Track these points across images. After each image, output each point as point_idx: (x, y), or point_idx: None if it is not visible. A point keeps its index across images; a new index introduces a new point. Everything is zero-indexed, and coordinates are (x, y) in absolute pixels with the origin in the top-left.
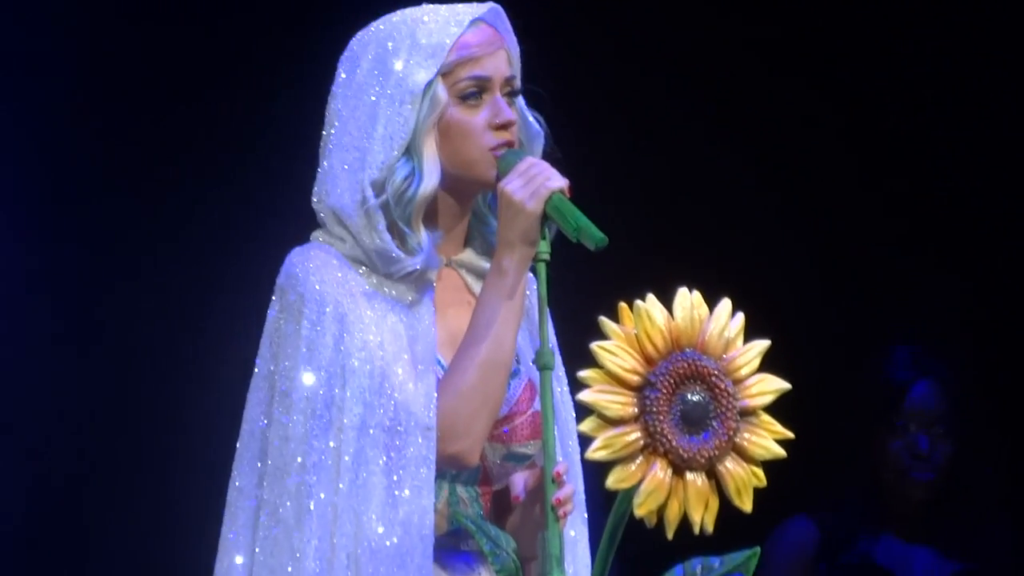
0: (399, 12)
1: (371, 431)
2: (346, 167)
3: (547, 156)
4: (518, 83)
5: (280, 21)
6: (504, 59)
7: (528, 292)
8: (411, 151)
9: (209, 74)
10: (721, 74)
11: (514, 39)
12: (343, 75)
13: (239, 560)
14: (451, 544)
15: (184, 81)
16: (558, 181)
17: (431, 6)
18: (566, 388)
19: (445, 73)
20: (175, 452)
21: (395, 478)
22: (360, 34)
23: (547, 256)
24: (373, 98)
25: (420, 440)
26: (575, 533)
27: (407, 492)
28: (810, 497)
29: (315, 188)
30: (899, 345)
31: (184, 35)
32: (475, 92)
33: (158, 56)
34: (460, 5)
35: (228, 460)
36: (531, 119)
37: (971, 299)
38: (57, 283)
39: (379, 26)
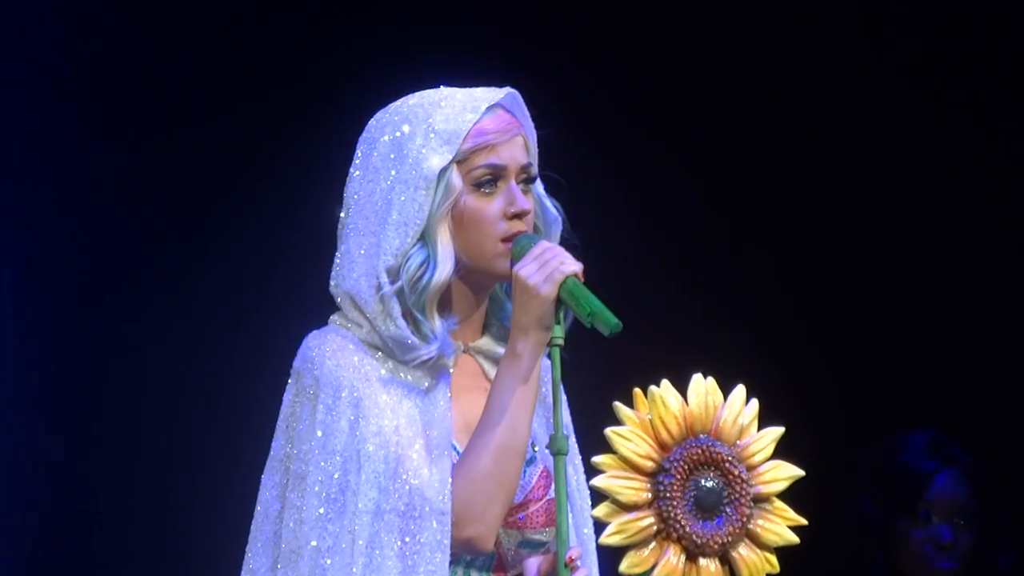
0: (417, 95)
1: (386, 516)
2: (362, 252)
3: (564, 242)
4: (534, 170)
5: (301, 98)
6: (520, 146)
7: (543, 377)
8: (426, 238)
9: (228, 152)
10: (731, 162)
11: (531, 125)
12: (360, 156)
13: None
14: None
15: (202, 164)
16: (572, 265)
17: (449, 90)
18: (582, 475)
19: (460, 160)
20: (188, 533)
21: (410, 563)
22: (379, 114)
23: (561, 341)
24: (388, 182)
25: (435, 525)
26: None
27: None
28: None
29: (333, 272)
30: (919, 432)
31: (205, 117)
32: (490, 180)
33: (173, 139)
34: (478, 90)
35: (242, 542)
36: (549, 205)
37: (988, 386)
38: (67, 353)
39: (398, 108)
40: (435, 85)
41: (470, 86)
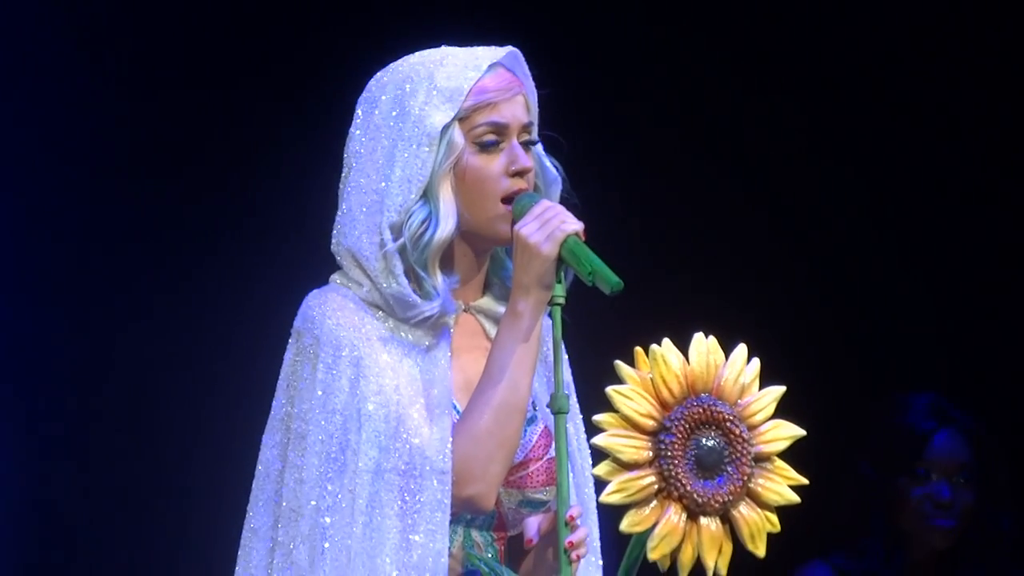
0: (418, 53)
1: (386, 475)
2: (364, 209)
3: (564, 202)
4: (535, 130)
5: (300, 60)
6: (522, 105)
7: (544, 337)
8: (428, 195)
9: (230, 110)
10: (739, 125)
11: (532, 84)
12: (360, 115)
13: None
14: None
15: (204, 120)
16: (573, 224)
17: (450, 48)
18: (583, 434)
19: (462, 118)
20: (189, 490)
21: (409, 522)
22: (379, 74)
23: (562, 300)
24: (390, 140)
25: (435, 484)
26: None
27: (421, 536)
28: (826, 543)
29: (334, 230)
30: (919, 392)
31: (200, 75)
32: (493, 139)
33: (175, 89)
34: (480, 48)
35: (243, 500)
36: (549, 165)
37: (990, 348)
38: (73, 311)
39: (398, 67)
40: (436, 45)
41: (472, 45)
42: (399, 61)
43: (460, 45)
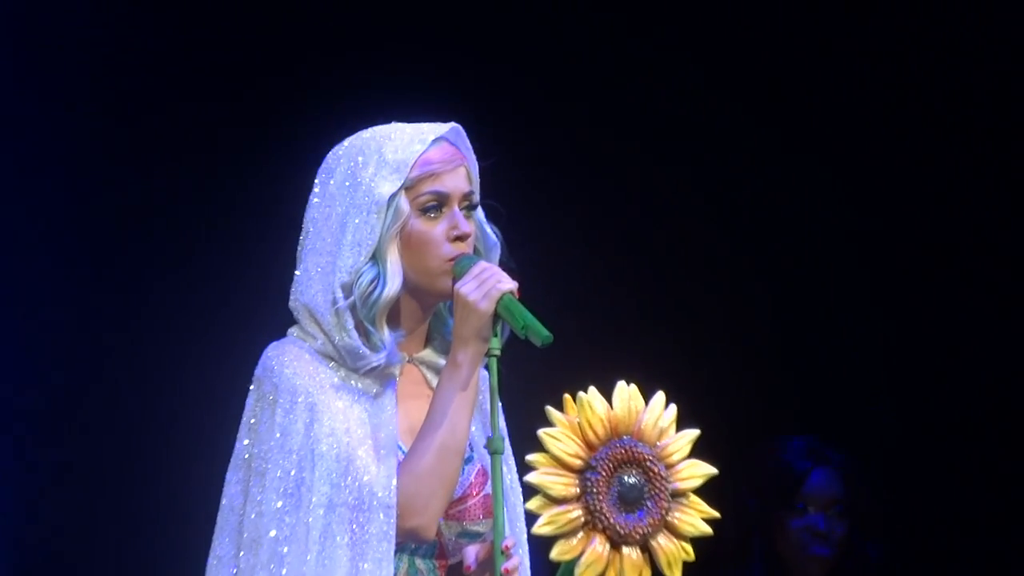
0: (370, 129)
1: (337, 509)
2: (319, 270)
3: (502, 265)
4: (476, 198)
5: (262, 140)
6: (463, 175)
7: (481, 386)
8: (377, 257)
9: (198, 183)
10: (652, 185)
11: (473, 157)
12: (318, 184)
13: None
14: None
15: (178, 192)
16: (508, 283)
17: (399, 125)
18: (515, 474)
19: (408, 187)
20: (157, 527)
21: (359, 551)
22: (335, 148)
23: (498, 352)
24: (343, 208)
25: (382, 517)
26: None
27: (369, 564)
28: (714, 569)
29: (292, 288)
30: (797, 435)
31: (174, 149)
32: (435, 205)
33: (147, 171)
34: (425, 125)
35: (208, 531)
36: (489, 231)
37: (857, 394)
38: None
39: (353, 141)
40: (388, 121)
41: (419, 121)
42: (354, 136)
43: (409, 121)
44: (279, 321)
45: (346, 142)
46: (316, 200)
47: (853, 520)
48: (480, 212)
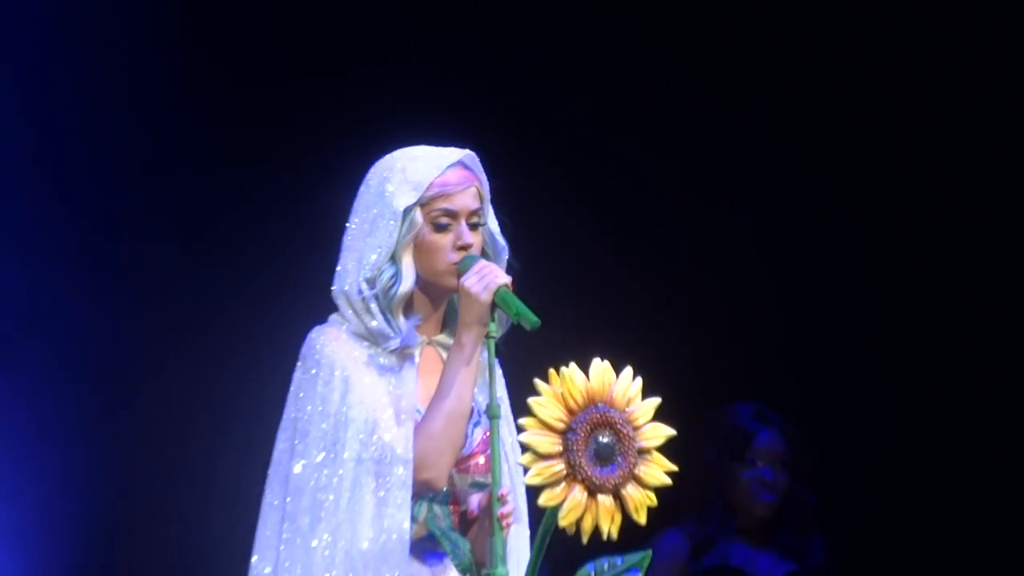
0: (402, 150)
1: (365, 463)
2: (352, 264)
3: (508, 265)
4: (483, 216)
5: (312, 157)
6: (473, 195)
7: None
8: (395, 258)
9: (256, 187)
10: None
11: (485, 179)
12: (359, 195)
13: (268, 560)
14: (430, 546)
15: (237, 187)
16: (503, 278)
17: (425, 148)
18: (515, 434)
19: (423, 204)
20: (222, 480)
21: (381, 495)
22: (375, 164)
23: (495, 335)
24: (372, 214)
25: (401, 471)
26: (522, 538)
27: (390, 508)
28: (679, 513)
29: (334, 278)
30: (747, 402)
31: (224, 151)
32: (445, 223)
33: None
34: (446, 150)
35: (260, 482)
36: (499, 239)
37: (799, 363)
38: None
39: (385, 160)
40: (417, 143)
41: (444, 145)
42: (388, 155)
43: (435, 144)
44: (323, 309)
45: (382, 160)
46: (355, 205)
47: (793, 472)
48: (492, 222)
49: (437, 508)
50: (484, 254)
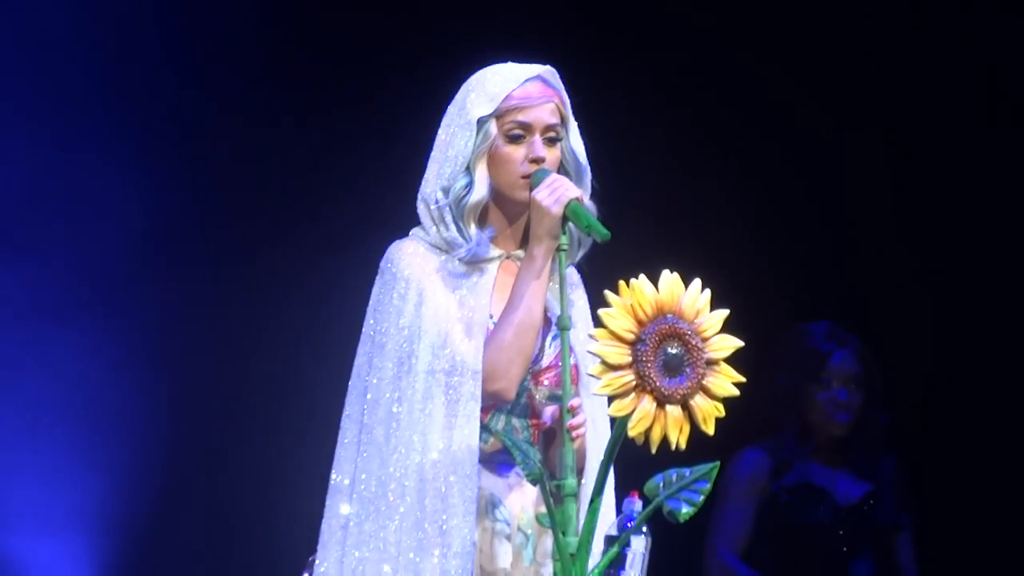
0: (489, 67)
1: (436, 374)
2: (432, 175)
3: (592, 188)
4: (560, 130)
5: (403, 68)
6: (550, 110)
7: (570, 279)
8: (470, 168)
9: (343, 106)
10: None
11: (565, 96)
12: (448, 107)
13: (345, 472)
14: (504, 459)
15: (320, 104)
16: (574, 191)
17: (509, 64)
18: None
19: (500, 115)
20: (305, 393)
21: (452, 408)
22: (467, 80)
23: (566, 247)
24: (453, 127)
25: (470, 381)
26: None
27: (459, 420)
28: (756, 435)
29: (420, 185)
30: (821, 322)
31: (309, 73)
32: (519, 134)
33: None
34: (526, 66)
35: (339, 398)
36: (580, 159)
37: (872, 285)
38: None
39: (472, 76)
40: (505, 60)
41: (530, 62)
42: (476, 72)
43: (522, 62)
44: (410, 223)
45: (470, 77)
46: (443, 121)
47: (868, 392)
48: (574, 142)
49: (515, 421)
50: (564, 171)
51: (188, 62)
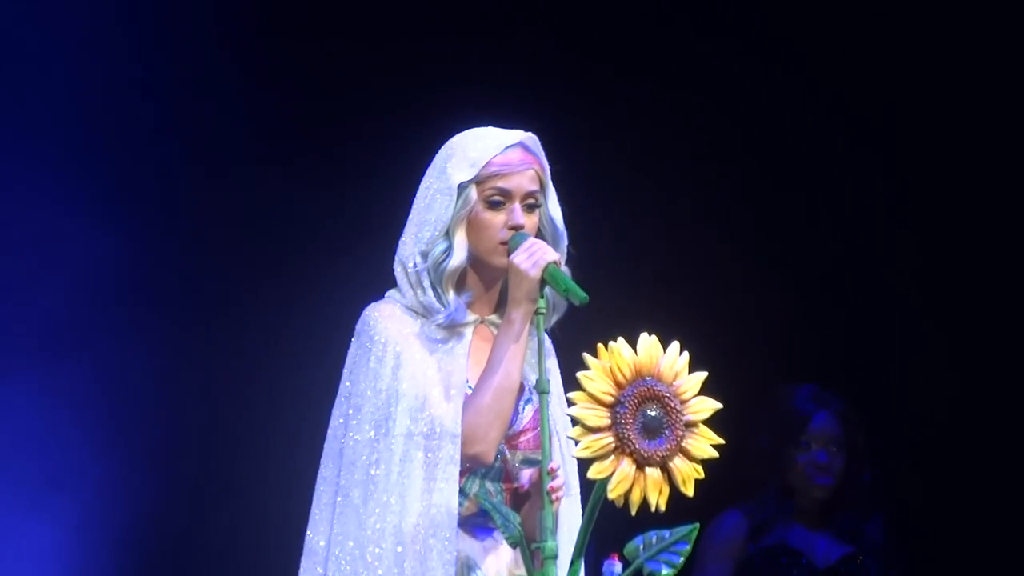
0: (468, 131)
1: (415, 437)
2: (411, 238)
3: (568, 254)
4: (540, 197)
5: (378, 139)
6: (529, 177)
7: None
8: (449, 233)
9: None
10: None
11: (545, 162)
12: (427, 168)
13: (321, 534)
14: (480, 522)
15: (305, 171)
16: (552, 255)
17: (487, 129)
18: (566, 408)
19: (480, 181)
20: (276, 455)
21: (431, 472)
22: (444, 145)
23: (544, 310)
24: (432, 191)
25: (450, 445)
26: (574, 513)
27: (439, 482)
28: (737, 497)
29: (395, 252)
30: (803, 384)
31: (299, 131)
32: (498, 201)
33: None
34: (508, 132)
35: (315, 459)
36: (558, 224)
37: (853, 347)
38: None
39: (452, 138)
40: (485, 124)
41: (508, 127)
42: (456, 136)
43: (502, 126)
44: (383, 285)
45: (449, 141)
46: (421, 182)
47: (850, 454)
48: (551, 208)
49: (489, 484)
50: (541, 236)
51: (159, 106)
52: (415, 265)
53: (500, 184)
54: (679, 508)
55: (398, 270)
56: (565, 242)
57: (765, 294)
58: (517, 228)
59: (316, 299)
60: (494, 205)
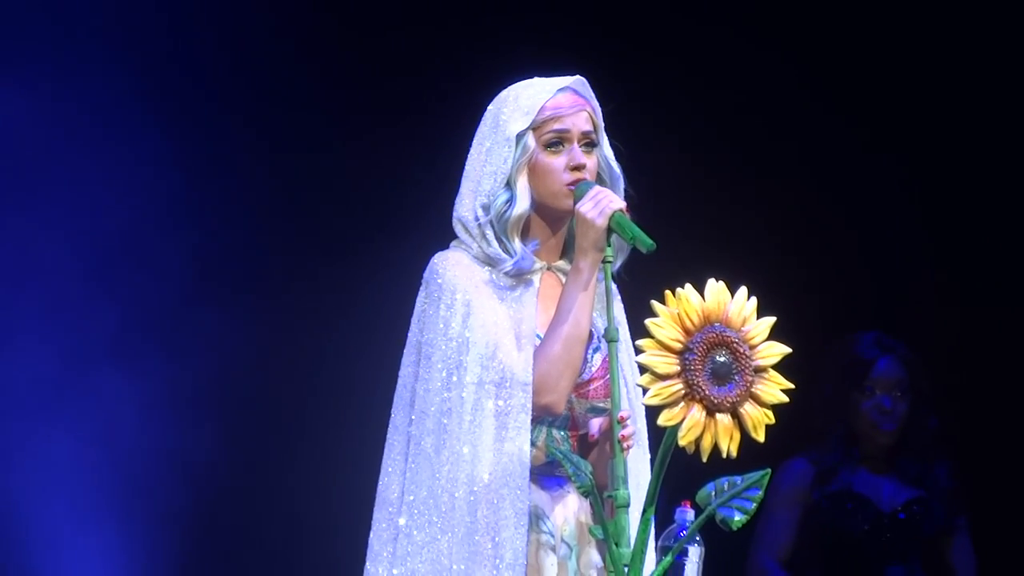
0: (517, 83)
1: (485, 386)
2: (469, 191)
3: (625, 193)
4: (596, 137)
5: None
6: (583, 118)
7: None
8: (510, 183)
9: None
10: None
11: (596, 104)
12: (477, 127)
13: (395, 483)
14: (548, 471)
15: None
16: (618, 203)
17: (537, 78)
18: (634, 357)
19: (536, 127)
20: (352, 403)
21: (502, 420)
22: (493, 99)
23: (612, 259)
24: (488, 143)
25: (520, 394)
26: (641, 461)
27: (510, 431)
28: (804, 444)
29: (453, 207)
30: (866, 331)
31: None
32: (557, 142)
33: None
34: (555, 78)
35: (385, 409)
36: (614, 166)
37: (917, 292)
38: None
39: (501, 92)
40: (531, 76)
41: (555, 74)
42: (505, 89)
43: (547, 76)
44: (447, 236)
45: (498, 95)
46: (474, 139)
47: (914, 399)
48: (606, 150)
49: (556, 432)
50: (599, 180)
51: (219, 90)
52: (476, 218)
53: (557, 126)
54: (748, 454)
55: (458, 227)
56: (622, 184)
57: (831, 238)
58: (580, 167)
59: (388, 250)
60: (553, 147)
